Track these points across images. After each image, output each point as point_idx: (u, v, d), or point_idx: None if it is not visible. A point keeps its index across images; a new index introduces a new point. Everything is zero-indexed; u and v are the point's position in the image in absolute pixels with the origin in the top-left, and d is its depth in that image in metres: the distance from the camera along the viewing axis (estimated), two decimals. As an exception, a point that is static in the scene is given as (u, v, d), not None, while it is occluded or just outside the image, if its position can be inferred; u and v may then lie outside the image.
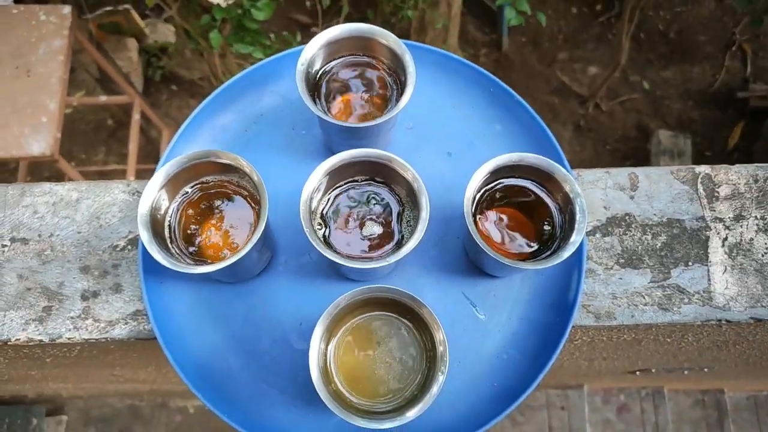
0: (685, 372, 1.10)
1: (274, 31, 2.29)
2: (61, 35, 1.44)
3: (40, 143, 1.34)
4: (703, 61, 2.38)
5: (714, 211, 0.58)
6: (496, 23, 2.39)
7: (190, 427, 1.41)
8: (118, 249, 0.56)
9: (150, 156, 2.05)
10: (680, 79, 2.37)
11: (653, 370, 1.09)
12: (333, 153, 0.49)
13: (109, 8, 2.00)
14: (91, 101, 1.86)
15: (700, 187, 0.58)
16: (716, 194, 0.58)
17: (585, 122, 2.32)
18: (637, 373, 1.13)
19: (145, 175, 1.73)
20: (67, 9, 1.45)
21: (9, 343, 0.54)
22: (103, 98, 1.81)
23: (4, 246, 0.56)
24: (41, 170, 2.00)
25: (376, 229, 0.51)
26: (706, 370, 1.07)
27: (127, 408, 1.42)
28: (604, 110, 2.33)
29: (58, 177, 1.92)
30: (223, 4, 1.46)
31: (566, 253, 0.45)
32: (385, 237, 0.50)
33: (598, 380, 1.44)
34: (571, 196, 0.48)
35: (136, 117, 1.77)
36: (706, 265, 0.56)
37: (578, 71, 2.41)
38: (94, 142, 2.15)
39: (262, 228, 0.45)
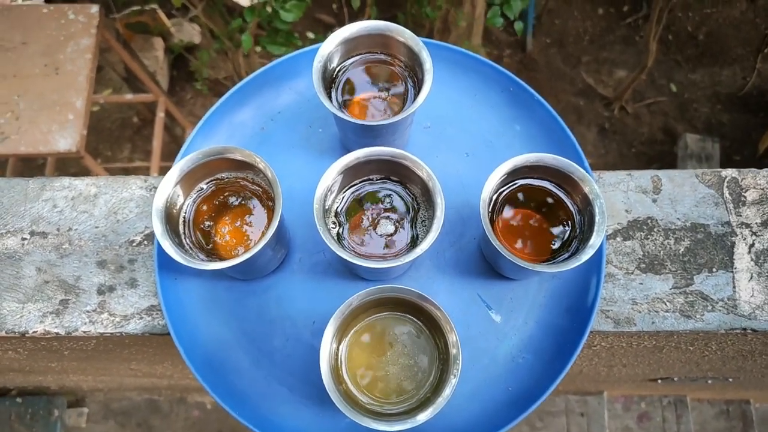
0: (709, 381, 1.07)
1: (299, 31, 2.31)
2: (89, 34, 1.46)
3: (67, 140, 1.37)
4: (733, 63, 2.32)
5: (740, 216, 0.56)
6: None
7: (208, 423, 1.43)
8: (134, 244, 0.57)
9: (173, 154, 2.08)
10: (709, 82, 2.32)
11: (675, 379, 1.07)
12: (349, 151, 0.49)
13: (136, 8, 2.04)
14: (117, 99, 1.89)
15: (725, 191, 0.57)
16: (743, 199, 0.56)
17: (610, 125, 2.28)
18: (659, 381, 1.11)
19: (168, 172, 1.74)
20: (95, 8, 1.47)
21: (27, 335, 0.54)
22: (129, 96, 1.84)
23: (23, 239, 0.57)
24: (68, 166, 2.04)
25: (391, 229, 0.50)
26: (730, 380, 1.04)
27: (146, 402, 1.44)
28: (629, 113, 2.29)
29: (84, 173, 1.95)
30: (247, 4, 1.47)
31: (585, 255, 0.44)
32: (399, 236, 0.50)
33: (618, 387, 1.41)
34: (591, 197, 0.47)
35: (160, 115, 1.79)
36: (731, 272, 0.54)
37: (604, 73, 2.37)
38: (119, 140, 2.18)
39: (276, 225, 0.45)
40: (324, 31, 2.37)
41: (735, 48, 2.35)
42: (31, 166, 2.05)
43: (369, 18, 1.81)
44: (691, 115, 2.29)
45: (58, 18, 1.46)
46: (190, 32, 2.31)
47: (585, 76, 2.38)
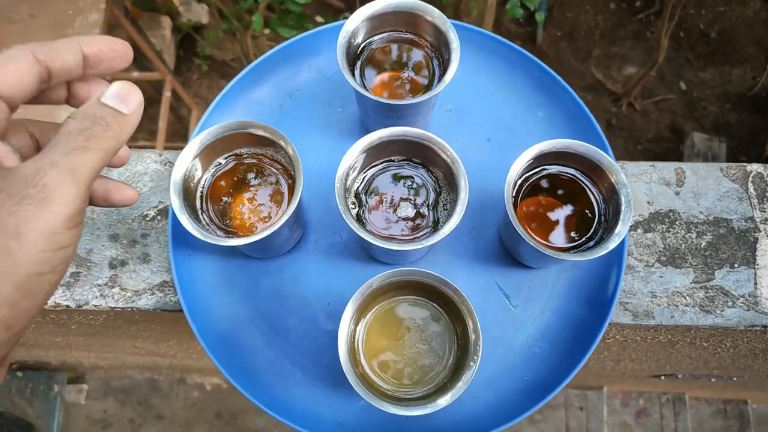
0: (712, 380, 1.07)
1: (308, 14, 2.28)
2: (98, 9, 1.44)
3: (73, 115, 1.35)
4: (744, 62, 2.31)
5: (765, 212, 0.55)
6: (532, 16, 2.34)
7: (207, 404, 1.42)
8: (147, 219, 0.56)
9: (178, 134, 2.06)
10: (719, 81, 2.31)
11: (679, 376, 1.06)
12: (369, 132, 0.48)
13: (145, -15, 2.01)
14: (123, 76, 1.86)
15: (750, 186, 0.56)
16: None
17: (617, 120, 2.27)
18: (662, 377, 1.10)
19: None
20: (104, -18, 1.45)
21: (36, 307, 0.53)
22: (136, 74, 1.82)
23: (35, 210, 0.56)
24: (71, 143, 2.02)
25: (411, 211, 0.49)
26: (734, 378, 1.04)
27: (146, 381, 1.44)
28: (637, 109, 2.27)
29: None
30: (257, -16, 1.45)
31: (612, 243, 0.43)
32: (419, 220, 0.49)
33: (619, 382, 1.41)
34: (617, 186, 0.46)
35: (167, 94, 1.77)
36: (753, 268, 0.53)
37: (613, 68, 2.36)
38: (123, 118, 2.16)
39: (296, 204, 0.44)
40: (333, 15, 2.34)
41: (746, 47, 2.33)
42: (34, 141, 2.03)
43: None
44: (699, 113, 2.28)
45: (67, -9, 1.44)
46: (198, 12, 2.29)
47: (594, 70, 2.37)
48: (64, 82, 0.35)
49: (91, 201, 0.38)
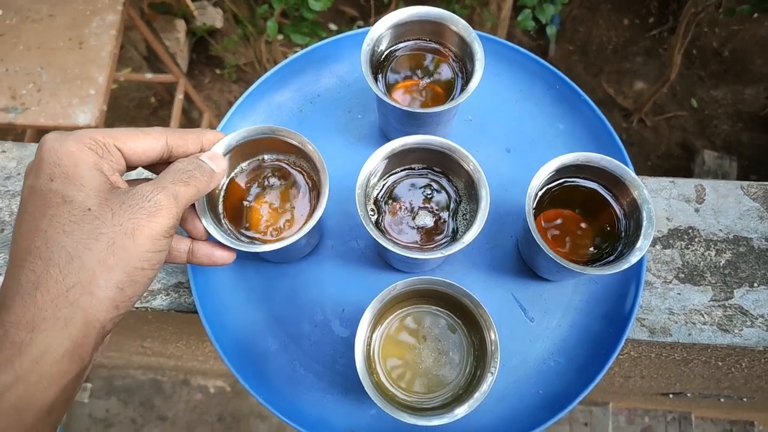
0: (722, 399, 1.06)
1: (321, 22, 2.29)
2: (114, 10, 1.45)
3: (86, 114, 1.36)
4: (756, 82, 2.30)
5: (785, 231, 0.54)
6: (544, 29, 2.36)
7: (209, 407, 1.42)
8: (165, 219, 0.56)
9: (189, 137, 2.07)
10: (731, 100, 2.30)
11: (688, 394, 1.05)
12: (388, 139, 0.48)
13: (161, -12, 2.03)
14: (137, 78, 1.88)
15: (771, 205, 0.55)
16: (788, 214, 0.55)
17: (627, 136, 2.26)
18: (670, 395, 1.09)
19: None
20: (123, -16, 1.47)
21: (51, 304, 0.53)
22: (149, 76, 1.83)
23: (53, 207, 0.56)
24: (83, 142, 2.03)
25: (430, 220, 0.49)
26: (744, 399, 1.03)
27: (150, 381, 1.43)
28: (648, 125, 2.27)
29: (100, 150, 1.94)
30: (273, -10, 1.46)
31: (633, 258, 0.43)
32: (438, 228, 0.49)
33: (626, 399, 1.40)
34: (639, 202, 0.46)
35: (179, 97, 1.78)
36: (773, 288, 0.53)
37: (625, 84, 2.36)
38: (135, 119, 2.18)
39: (321, 211, 0.44)
40: (347, 23, 2.35)
41: (760, 67, 2.33)
42: (46, 139, 2.04)
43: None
44: (710, 131, 2.27)
45: (86, -8, 1.46)
46: (213, 16, 2.31)
47: (606, 85, 2.37)
48: None
49: (196, 260, 0.45)
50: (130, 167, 0.41)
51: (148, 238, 0.36)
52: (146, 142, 0.40)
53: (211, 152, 0.43)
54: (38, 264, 0.33)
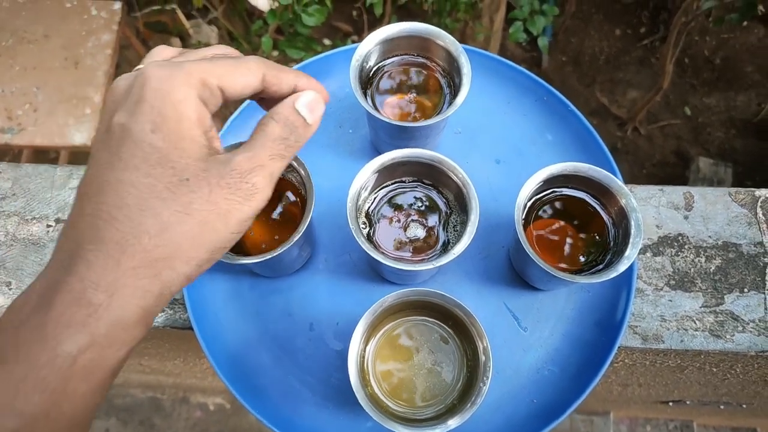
0: (721, 406, 1.06)
1: (316, 37, 2.31)
2: (110, 30, 1.47)
3: (83, 134, 1.37)
4: (748, 89, 2.32)
5: (773, 236, 0.55)
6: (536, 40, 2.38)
7: (209, 424, 1.41)
8: (159, 236, 0.56)
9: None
10: (724, 107, 2.32)
11: (688, 402, 1.05)
12: (379, 153, 0.49)
13: (156, 7, 2.05)
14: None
15: (759, 211, 0.56)
16: (776, 219, 0.56)
17: (622, 144, 2.28)
18: (670, 403, 1.09)
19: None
20: (117, 5, 1.48)
21: (46, 322, 0.54)
22: (146, 94, 1.84)
23: (49, 226, 0.56)
24: (80, 161, 2.04)
25: (421, 232, 0.49)
26: (744, 406, 1.02)
27: (149, 399, 1.43)
28: (642, 134, 2.28)
29: (97, 168, 1.95)
30: (267, 8, 1.48)
31: (622, 266, 0.43)
32: (430, 240, 0.49)
33: (626, 408, 1.40)
34: (627, 210, 0.46)
35: (175, 114, 1.79)
36: (764, 293, 0.53)
37: (618, 93, 2.37)
38: (132, 137, 2.18)
39: (307, 223, 0.44)
40: (341, 38, 2.37)
41: (751, 74, 2.35)
42: (44, 159, 2.05)
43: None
44: (704, 138, 2.29)
45: (81, 13, 1.47)
46: (207, 34, 2.33)
47: (599, 95, 2.38)
48: None
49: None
50: (224, 103, 0.38)
51: (239, 221, 0.34)
52: (246, 78, 0.36)
53: (308, 97, 0.37)
54: (126, 224, 0.32)
